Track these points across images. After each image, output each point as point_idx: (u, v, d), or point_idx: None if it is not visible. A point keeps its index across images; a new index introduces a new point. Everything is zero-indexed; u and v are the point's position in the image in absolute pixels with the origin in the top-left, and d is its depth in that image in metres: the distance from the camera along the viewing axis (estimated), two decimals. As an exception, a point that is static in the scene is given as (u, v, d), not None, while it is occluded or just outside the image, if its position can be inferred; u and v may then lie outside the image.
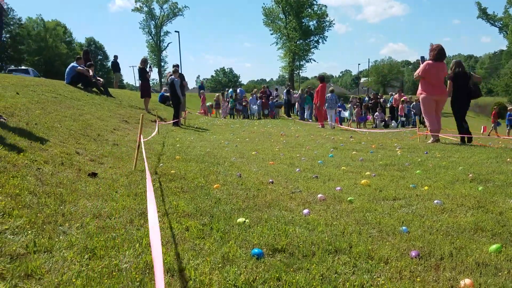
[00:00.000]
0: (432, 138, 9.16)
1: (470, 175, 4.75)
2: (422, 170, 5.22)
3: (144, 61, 13.84)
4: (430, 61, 9.14)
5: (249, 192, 3.96)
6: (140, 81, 14.33)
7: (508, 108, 21.38)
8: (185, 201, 3.52)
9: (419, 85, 9.44)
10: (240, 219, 3.00)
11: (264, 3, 56.00)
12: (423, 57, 9.63)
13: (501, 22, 58.54)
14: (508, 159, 5.90)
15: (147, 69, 13.78)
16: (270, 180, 4.53)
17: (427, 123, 9.43)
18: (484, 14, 59.38)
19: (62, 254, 2.23)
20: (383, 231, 2.84)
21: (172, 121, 12.28)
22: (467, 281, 1.99)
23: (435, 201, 3.61)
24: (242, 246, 2.50)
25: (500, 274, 2.13)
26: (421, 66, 9.24)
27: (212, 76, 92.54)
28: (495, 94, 50.99)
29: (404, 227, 2.87)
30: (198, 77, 36.31)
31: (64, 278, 1.96)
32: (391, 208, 3.45)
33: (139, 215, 3.04)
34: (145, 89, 13.90)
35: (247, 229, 2.81)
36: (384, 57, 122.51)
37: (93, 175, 4.11)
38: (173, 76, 12.82)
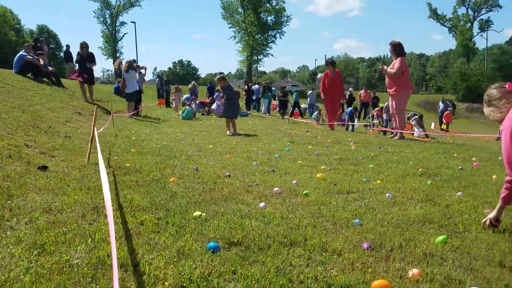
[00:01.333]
0: (399, 135, 9.43)
1: (420, 169, 4.97)
2: (375, 165, 5.40)
3: (86, 47, 12.63)
4: (403, 57, 9.31)
5: (206, 186, 3.93)
6: (83, 68, 12.75)
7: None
8: (140, 194, 3.45)
9: (396, 82, 9.26)
10: (196, 213, 2.97)
11: (222, -4, 55.45)
12: (378, 59, 9.95)
13: (451, 23, 61.56)
14: (455, 154, 6.22)
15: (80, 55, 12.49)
16: (227, 174, 4.52)
17: (398, 120, 9.54)
18: (434, 14, 62.17)
19: (9, 250, 2.12)
20: (337, 224, 2.91)
21: (128, 114, 11.94)
22: (415, 271, 2.08)
23: (387, 195, 3.74)
24: (198, 240, 2.48)
25: (445, 264, 2.24)
26: (399, 62, 9.18)
27: (169, 68, 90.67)
28: (444, 92, 53.58)
29: (357, 220, 2.96)
30: (155, 69, 35.32)
31: (12, 275, 1.87)
32: (345, 202, 3.54)
33: (92, 209, 2.95)
34: (89, 75, 12.72)
35: (203, 223, 2.79)
36: (340, 53, 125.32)
37: (43, 168, 3.93)
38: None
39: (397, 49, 9.35)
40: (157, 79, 24.08)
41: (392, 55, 9.61)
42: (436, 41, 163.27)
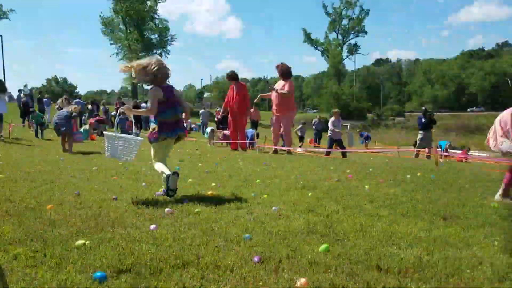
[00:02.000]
0: (287, 152, 9.94)
1: (301, 182, 5.32)
2: (261, 179, 5.63)
3: None
4: (291, 80, 9.93)
5: (90, 211, 3.68)
6: None
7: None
8: (12, 225, 3.08)
9: (284, 104, 9.83)
10: (80, 242, 2.76)
11: (101, 12, 52.95)
12: (267, 81, 10.47)
13: (323, 47, 67.60)
14: (331, 168, 6.80)
15: None
16: (114, 197, 4.29)
17: (287, 139, 10.07)
18: (309, 39, 67.67)
19: None
20: (228, 239, 2.97)
21: None
22: (302, 280, 2.22)
23: (273, 208, 3.93)
24: (82, 271, 2.30)
25: (329, 271, 2.43)
26: (289, 84, 9.76)
27: (43, 85, 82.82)
28: (320, 110, 58.35)
29: (247, 234, 3.05)
30: (25, 86, 31.56)
31: None
32: (235, 217, 3.62)
33: (-51, 247, 2.54)
34: None
35: (87, 252, 2.60)
36: (224, 73, 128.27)
37: None
38: None
39: (286, 72, 10.00)
40: (25, 98, 21.42)
41: (280, 77, 10.16)
42: (310, 64, 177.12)
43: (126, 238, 2.93)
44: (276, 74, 10.57)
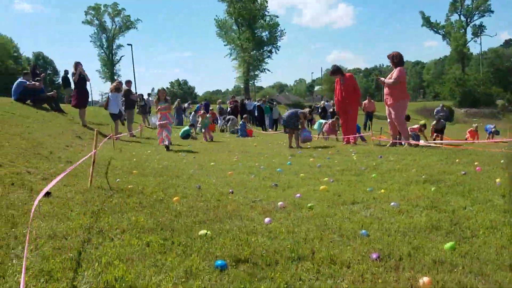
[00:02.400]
0: (406, 144, 9.43)
1: (423, 176, 4.96)
2: (378, 174, 5.39)
3: (77, 64, 11.96)
4: (402, 67, 9.44)
5: (209, 204, 3.92)
6: (74, 89, 12.35)
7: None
8: (144, 216, 3.43)
9: (394, 92, 9.38)
10: (202, 231, 2.96)
11: (216, 15, 56.04)
12: (377, 74, 9.98)
13: (444, 30, 62.22)
14: (457, 160, 6.21)
15: (82, 74, 11.92)
16: (230, 190, 4.51)
17: (402, 129, 9.56)
18: (427, 22, 62.88)
19: (16, 279, 2.10)
20: (344, 235, 2.89)
21: (120, 135, 11.93)
22: (426, 279, 2.06)
23: (392, 203, 3.72)
24: (205, 258, 2.46)
25: (455, 270, 2.22)
26: (398, 72, 9.32)
27: (167, 88, 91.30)
28: (442, 99, 53.79)
29: (363, 231, 2.94)
30: (152, 90, 35.51)
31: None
32: (350, 212, 3.52)
33: (97, 233, 2.93)
34: (81, 97, 12.12)
35: (209, 241, 2.77)
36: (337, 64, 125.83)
37: (47, 194, 3.91)
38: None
39: (396, 59, 9.44)
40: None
41: (392, 66, 9.67)
42: (430, 48, 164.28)
43: (243, 229, 3.05)
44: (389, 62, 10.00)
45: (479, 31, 61.98)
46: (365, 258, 2.44)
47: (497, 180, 4.55)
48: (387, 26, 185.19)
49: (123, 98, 13.12)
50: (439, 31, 63.33)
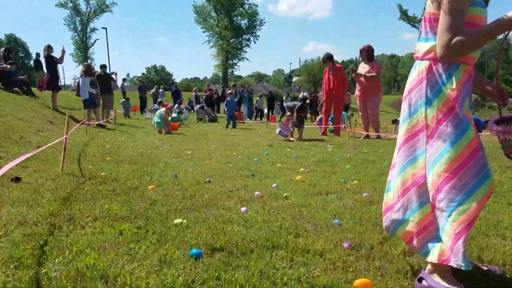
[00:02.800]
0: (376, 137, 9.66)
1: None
2: (352, 165, 5.48)
3: (49, 47, 11.79)
4: (376, 61, 9.63)
5: (186, 192, 3.90)
6: (46, 72, 12.05)
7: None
8: (117, 204, 3.39)
9: (373, 85, 9.52)
10: (177, 220, 2.94)
11: (194, 1, 55.25)
12: (353, 69, 10.05)
13: (420, 24, 63.37)
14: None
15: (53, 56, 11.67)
16: (207, 179, 4.49)
17: (375, 122, 9.72)
18: (405, 15, 63.72)
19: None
20: (318, 225, 2.94)
21: (96, 122, 11.62)
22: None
23: (364, 194, 3.80)
24: (179, 247, 2.45)
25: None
26: (378, 65, 9.55)
27: (143, 73, 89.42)
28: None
29: (336, 220, 2.99)
30: (127, 75, 34.46)
31: (-16, 293, 1.80)
32: (324, 202, 3.58)
33: (68, 220, 2.88)
34: (52, 80, 11.83)
35: (184, 230, 2.76)
36: (314, 56, 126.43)
37: (17, 180, 3.81)
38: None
39: (370, 53, 9.60)
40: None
41: (364, 59, 9.79)
42: (406, 42, 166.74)
43: (219, 218, 3.06)
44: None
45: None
46: (338, 247, 2.49)
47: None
48: (363, 18, 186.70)
49: (96, 82, 12.53)
50: (416, 24, 64.35)
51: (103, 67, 13.11)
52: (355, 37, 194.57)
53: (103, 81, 12.43)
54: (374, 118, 9.76)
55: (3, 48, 14.90)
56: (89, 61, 61.24)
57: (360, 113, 10.21)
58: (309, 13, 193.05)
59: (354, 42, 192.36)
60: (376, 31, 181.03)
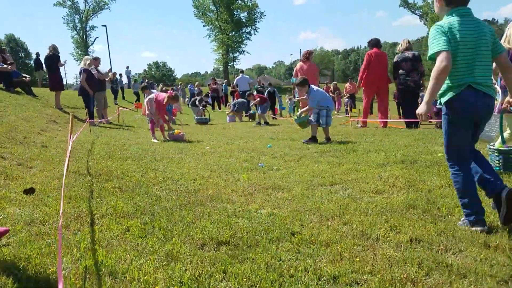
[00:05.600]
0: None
1: (400, 156, 5.06)
2: (356, 155, 5.46)
3: (54, 48, 11.74)
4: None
5: (190, 187, 3.91)
6: (49, 72, 11.95)
7: None
8: (124, 200, 3.40)
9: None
10: (183, 215, 2.96)
11: (193, -5, 54.86)
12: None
13: (421, 10, 62.78)
14: (433, 140, 6.35)
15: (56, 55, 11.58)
16: (260, 164, 4.49)
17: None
18: (405, 2, 63.19)
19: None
20: (323, 216, 2.94)
21: (104, 120, 11.56)
22: None
23: (369, 184, 3.80)
24: (186, 242, 2.47)
25: (433, 247, 2.30)
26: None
27: (144, 70, 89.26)
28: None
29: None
30: (127, 67, 34.04)
31: (-6, 293, 1.82)
32: (329, 193, 3.58)
33: (75, 218, 2.90)
34: (56, 80, 11.73)
35: (190, 225, 2.78)
36: (316, 46, 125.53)
37: (31, 191, 3.49)
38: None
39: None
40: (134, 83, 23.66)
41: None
42: (408, 30, 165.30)
43: (224, 212, 3.07)
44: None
45: (457, 10, 62.85)
46: (344, 238, 2.49)
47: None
48: (363, 7, 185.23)
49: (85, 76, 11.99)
50: (416, 11, 63.84)
51: (95, 60, 12.27)
52: (354, 27, 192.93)
53: (90, 78, 11.76)
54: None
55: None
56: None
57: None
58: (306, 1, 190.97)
59: (355, 31, 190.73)
60: (376, 18, 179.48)
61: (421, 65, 9.00)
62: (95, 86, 11.11)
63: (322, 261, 2.17)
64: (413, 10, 63.82)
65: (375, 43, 9.66)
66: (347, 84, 22.71)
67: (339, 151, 5.88)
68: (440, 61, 2.43)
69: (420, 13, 63.46)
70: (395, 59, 9.11)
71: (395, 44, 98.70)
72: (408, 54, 8.87)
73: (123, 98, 22.63)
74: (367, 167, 4.63)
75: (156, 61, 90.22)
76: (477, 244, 2.31)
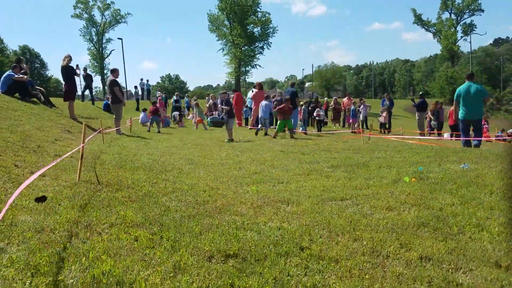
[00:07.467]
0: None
1: (411, 173, 5.00)
2: (367, 171, 5.42)
3: (69, 58, 11.90)
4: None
5: (199, 198, 3.91)
6: (65, 82, 12.05)
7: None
8: (133, 210, 3.41)
9: None
10: (191, 226, 2.95)
11: (209, 10, 55.86)
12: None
13: (435, 28, 62.81)
14: (446, 158, 6.27)
15: (74, 68, 11.94)
16: (219, 186, 4.49)
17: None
18: (419, 20, 63.34)
19: (2, 273, 2.08)
20: (333, 231, 2.91)
21: (115, 129, 11.71)
22: None
23: (380, 200, 3.75)
24: (193, 253, 2.45)
25: (443, 266, 2.25)
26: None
27: (158, 83, 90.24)
28: (431, 96, 54.18)
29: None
30: (141, 80, 34.70)
31: (2, 299, 1.83)
32: (339, 209, 3.54)
33: (85, 227, 2.91)
34: (69, 90, 11.89)
35: (198, 236, 2.77)
36: (327, 61, 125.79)
37: (42, 199, 3.50)
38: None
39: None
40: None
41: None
42: (420, 47, 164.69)
43: (232, 224, 3.05)
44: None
45: (469, 29, 62.60)
46: (353, 254, 2.46)
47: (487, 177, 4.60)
48: (373, 22, 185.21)
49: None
50: (430, 28, 63.88)
51: (113, 72, 12.59)
52: (366, 42, 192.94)
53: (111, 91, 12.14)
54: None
55: (15, 59, 15.01)
56: (105, 71, 62.07)
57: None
58: (321, 15, 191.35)
59: (366, 47, 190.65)
60: (389, 35, 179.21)
61: None
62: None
63: (331, 277, 2.13)
64: (426, 27, 63.86)
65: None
66: (345, 99, 22.56)
67: (350, 166, 5.84)
68: None
69: (434, 31, 63.47)
70: None
71: (407, 61, 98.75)
72: None
73: (137, 109, 22.73)
74: (378, 183, 4.58)
75: (169, 74, 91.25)
76: (488, 264, 2.26)
